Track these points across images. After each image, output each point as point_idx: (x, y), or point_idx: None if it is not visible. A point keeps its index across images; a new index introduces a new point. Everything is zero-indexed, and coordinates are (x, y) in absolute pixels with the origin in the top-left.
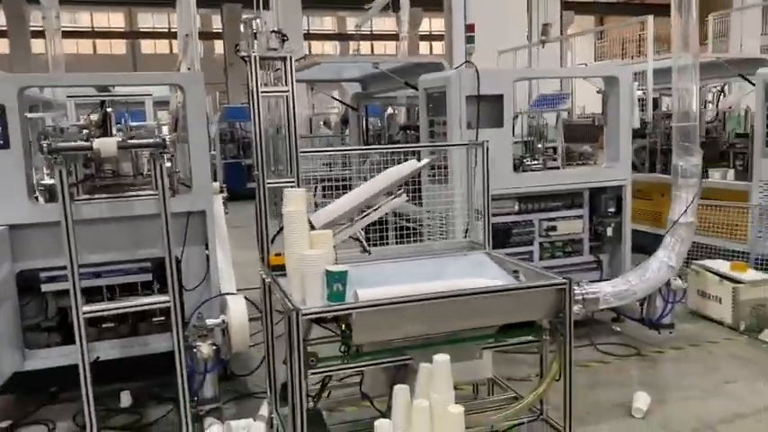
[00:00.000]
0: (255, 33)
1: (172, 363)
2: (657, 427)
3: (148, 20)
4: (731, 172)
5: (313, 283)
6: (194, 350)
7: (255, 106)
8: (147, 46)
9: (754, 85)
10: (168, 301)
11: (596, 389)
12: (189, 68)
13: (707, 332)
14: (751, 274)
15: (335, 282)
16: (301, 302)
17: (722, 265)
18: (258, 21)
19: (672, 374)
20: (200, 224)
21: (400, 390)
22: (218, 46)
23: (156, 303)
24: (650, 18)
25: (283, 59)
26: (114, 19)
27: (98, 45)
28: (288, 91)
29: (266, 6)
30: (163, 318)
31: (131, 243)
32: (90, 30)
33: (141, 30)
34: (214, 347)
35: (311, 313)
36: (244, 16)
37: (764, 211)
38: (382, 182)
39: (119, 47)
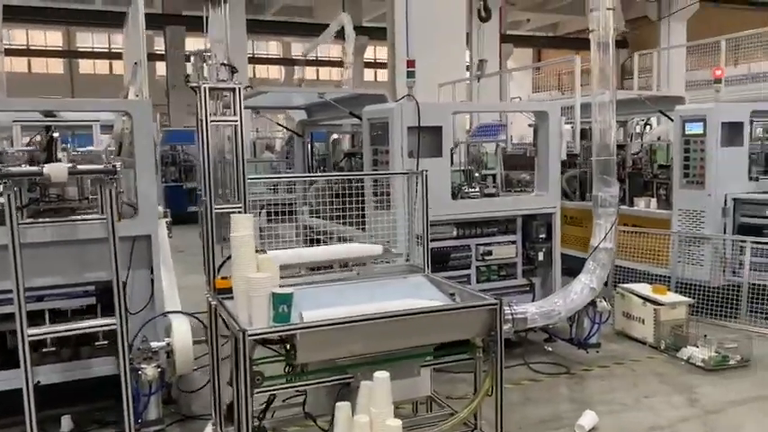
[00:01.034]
0: (206, 65)
1: (114, 386)
2: None
3: (87, 39)
4: (653, 201)
5: (259, 305)
6: (139, 372)
7: (204, 135)
8: (85, 66)
9: (672, 120)
10: (114, 324)
11: (528, 405)
12: (137, 95)
13: (631, 351)
14: (671, 297)
15: (281, 303)
16: (248, 324)
17: (645, 288)
18: (208, 53)
19: (597, 390)
20: (146, 248)
21: (342, 406)
22: (161, 68)
23: (102, 326)
24: (578, 58)
25: (233, 90)
26: (51, 37)
27: (33, 64)
28: (237, 121)
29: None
30: (105, 341)
31: (75, 266)
32: (26, 48)
33: (80, 49)
34: (159, 369)
35: (258, 334)
36: (195, 49)
37: (683, 238)
38: (344, 253)
39: (55, 66)
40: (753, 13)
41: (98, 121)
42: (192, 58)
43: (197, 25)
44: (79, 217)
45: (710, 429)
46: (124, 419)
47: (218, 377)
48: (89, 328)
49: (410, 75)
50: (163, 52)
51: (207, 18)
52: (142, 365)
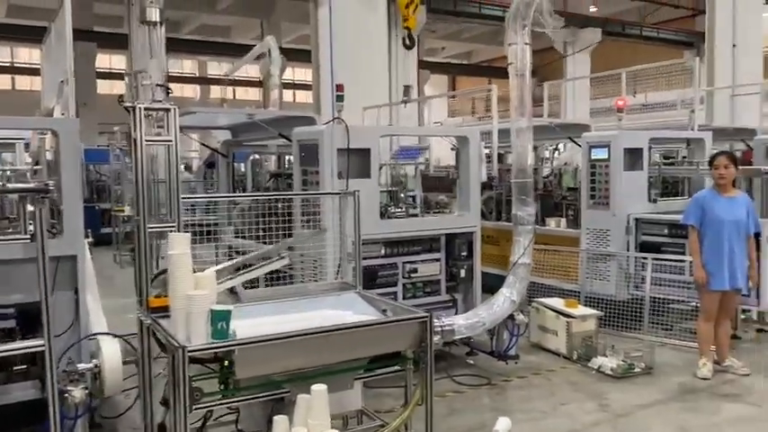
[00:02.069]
0: (142, 86)
1: (34, 411)
2: None
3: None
4: (563, 221)
5: (198, 322)
6: (65, 395)
7: (139, 155)
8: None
9: (580, 146)
10: (41, 347)
11: (453, 416)
12: (63, 113)
13: (546, 362)
14: (581, 310)
15: (220, 320)
16: (186, 341)
17: (558, 303)
18: (143, 74)
19: (517, 400)
20: (70, 269)
21: (279, 420)
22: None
23: (28, 349)
24: (495, 86)
25: (167, 111)
26: None
27: None
28: (171, 141)
29: (125, 47)
30: (25, 366)
31: None
32: None
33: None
34: (86, 392)
35: (197, 350)
36: (130, 69)
37: (591, 255)
38: (307, 322)
39: None
40: (647, 47)
41: (22, 139)
42: (126, 78)
43: (108, 41)
44: None
45: (620, 431)
46: None
47: (150, 397)
48: (14, 350)
49: (339, 98)
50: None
51: (131, 34)
52: (68, 387)
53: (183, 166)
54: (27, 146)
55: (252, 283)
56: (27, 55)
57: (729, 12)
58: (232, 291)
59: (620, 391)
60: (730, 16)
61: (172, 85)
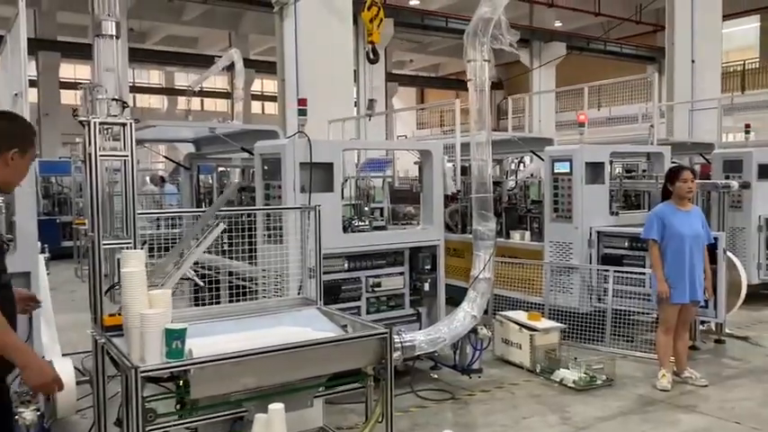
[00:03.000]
0: (93, 99)
1: None
2: None
3: None
4: (527, 234)
5: (152, 341)
6: (16, 417)
7: (94, 170)
8: None
9: (543, 160)
10: None
11: (416, 431)
12: None
13: (510, 375)
14: (544, 323)
15: (175, 339)
16: (140, 360)
17: (521, 316)
18: (99, 88)
19: (480, 414)
20: (24, 286)
21: None
22: (32, 94)
23: None
24: (458, 101)
25: (123, 125)
26: None
27: None
28: (127, 155)
29: (89, 57)
30: None
31: None
32: None
33: None
34: (38, 413)
35: (150, 370)
36: (84, 83)
37: (554, 267)
38: (264, 339)
39: None
40: (611, 61)
41: None
42: (81, 91)
43: (72, 51)
44: None
45: None
46: None
47: (105, 418)
48: None
49: (302, 113)
50: (35, 78)
51: (93, 46)
52: (20, 409)
53: (148, 179)
54: None
55: (213, 299)
56: None
57: (688, 28)
58: (197, 284)
59: (582, 404)
60: (689, 32)
61: (138, 96)
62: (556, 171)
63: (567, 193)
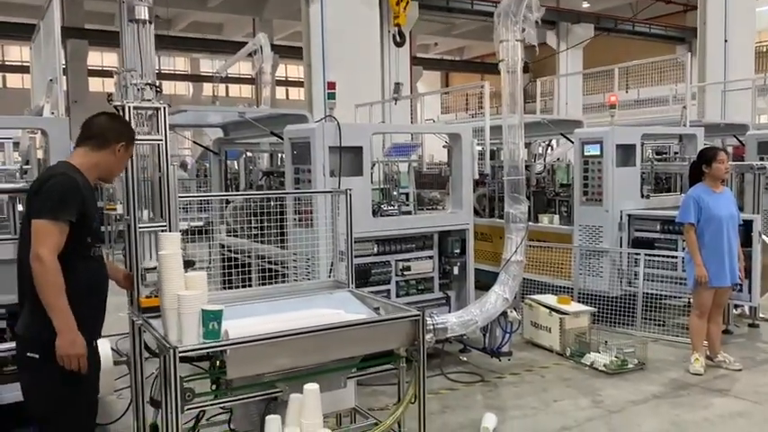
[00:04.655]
0: (130, 85)
1: (25, 414)
2: None
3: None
4: (556, 217)
5: (189, 322)
6: None
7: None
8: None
9: (572, 142)
10: None
11: (446, 413)
12: (53, 112)
13: (539, 358)
14: (574, 307)
15: (211, 320)
16: (178, 341)
17: (551, 299)
18: (133, 72)
19: (510, 396)
20: None
21: (272, 420)
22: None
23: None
24: (487, 84)
25: (157, 110)
26: None
27: None
28: (161, 139)
29: (117, 45)
30: (15, 367)
31: None
32: None
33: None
34: None
35: (188, 351)
36: (122, 67)
37: (584, 251)
38: (299, 321)
39: None
40: (640, 43)
41: (10, 138)
42: (115, 77)
43: (100, 39)
44: None
45: (614, 427)
46: None
47: (142, 398)
48: (4, 352)
49: (331, 96)
50: (64, 66)
51: (121, 32)
52: None
53: (177, 164)
54: (16, 145)
55: (245, 282)
56: (18, 53)
57: (721, 7)
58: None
59: (614, 387)
60: (722, 11)
61: (164, 83)
62: (586, 154)
63: (598, 176)
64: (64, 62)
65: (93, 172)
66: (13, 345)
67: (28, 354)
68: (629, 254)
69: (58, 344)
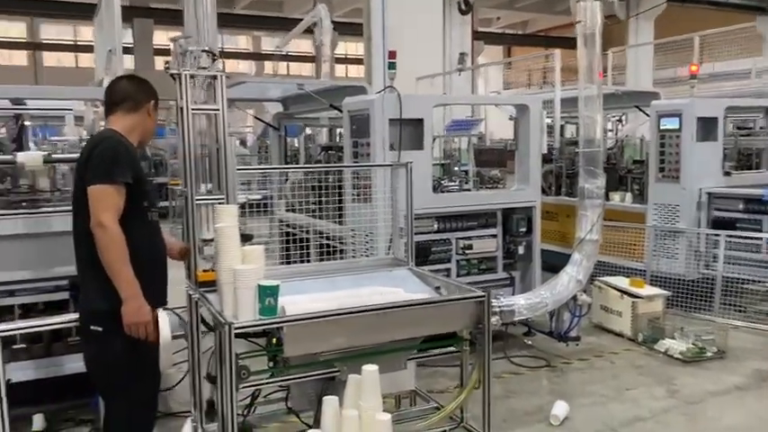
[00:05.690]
0: (186, 52)
1: (87, 384)
2: (564, 430)
3: (52, 31)
4: (629, 195)
5: (245, 297)
6: None
7: (185, 123)
8: (49, 58)
9: (648, 116)
10: None
11: (511, 398)
12: None
13: (609, 344)
14: (647, 290)
15: (268, 296)
16: (233, 317)
17: (622, 282)
18: (189, 39)
19: (578, 383)
20: None
21: (329, 400)
22: (128, 60)
23: (75, 322)
24: (558, 52)
25: (214, 78)
26: (14, 29)
27: None
28: (218, 109)
29: (180, 23)
30: (78, 338)
31: (47, 260)
32: None
33: (44, 41)
34: None
35: (243, 327)
36: (174, 35)
37: (658, 231)
38: (357, 299)
39: (19, 58)
40: (715, 13)
41: (71, 110)
42: (172, 45)
43: (165, 18)
44: (51, 209)
45: (692, 419)
46: (101, 417)
47: (199, 373)
48: (59, 323)
49: (391, 66)
50: (131, 45)
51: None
52: None
53: (237, 141)
54: (79, 119)
55: (303, 258)
56: (89, 33)
57: None
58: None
59: (691, 377)
60: None
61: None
62: (662, 127)
63: (675, 152)
64: (131, 41)
65: (134, 135)
66: (75, 316)
67: (91, 327)
68: (707, 235)
69: (125, 311)
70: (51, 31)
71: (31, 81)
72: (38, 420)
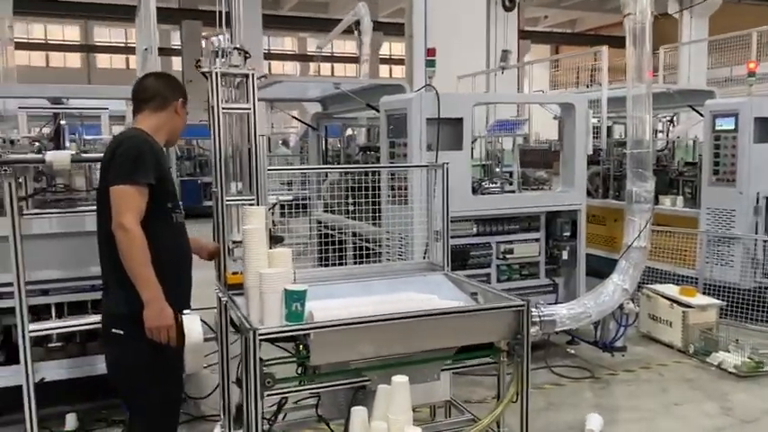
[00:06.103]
0: (218, 50)
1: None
2: None
3: (104, 34)
4: (680, 199)
5: (271, 302)
6: None
7: (216, 122)
8: (102, 60)
9: (702, 116)
10: None
11: (551, 411)
12: None
13: (657, 355)
14: (700, 299)
15: (294, 301)
16: (259, 322)
17: (672, 290)
18: (221, 37)
19: (624, 396)
20: None
21: (357, 411)
22: (177, 63)
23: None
24: (605, 48)
25: (245, 76)
26: (69, 32)
27: (51, 58)
28: (250, 108)
29: (228, 24)
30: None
31: (82, 260)
32: (44, 42)
33: (97, 44)
34: None
35: (268, 333)
36: (205, 33)
37: (712, 237)
38: (387, 305)
39: (73, 60)
40: None
41: (107, 109)
42: (204, 43)
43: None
44: (87, 208)
45: None
46: None
47: (228, 377)
48: (92, 324)
49: (430, 64)
50: (179, 47)
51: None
52: None
53: (279, 141)
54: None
55: (340, 260)
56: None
57: None
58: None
59: (746, 393)
60: None
61: (272, 63)
62: (718, 128)
63: (731, 153)
64: (179, 43)
65: (161, 134)
66: None
67: (113, 330)
68: (765, 241)
69: (146, 315)
70: (104, 33)
71: (85, 82)
72: (71, 420)
